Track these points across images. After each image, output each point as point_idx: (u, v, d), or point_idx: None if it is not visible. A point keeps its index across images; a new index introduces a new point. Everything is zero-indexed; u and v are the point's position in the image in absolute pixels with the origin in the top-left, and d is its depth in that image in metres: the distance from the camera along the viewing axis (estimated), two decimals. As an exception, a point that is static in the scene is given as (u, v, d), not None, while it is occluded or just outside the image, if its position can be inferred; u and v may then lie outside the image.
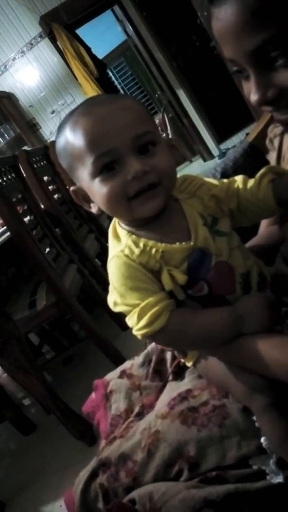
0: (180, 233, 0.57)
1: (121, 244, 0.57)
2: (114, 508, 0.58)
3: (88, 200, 0.60)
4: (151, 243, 0.56)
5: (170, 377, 0.75)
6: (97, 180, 0.54)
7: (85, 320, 1.65)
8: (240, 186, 0.61)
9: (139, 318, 0.54)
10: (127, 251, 0.56)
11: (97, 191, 0.55)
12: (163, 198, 0.55)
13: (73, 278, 1.79)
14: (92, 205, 0.60)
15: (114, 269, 0.56)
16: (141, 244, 0.56)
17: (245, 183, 0.61)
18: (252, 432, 0.57)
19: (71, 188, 0.60)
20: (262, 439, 0.56)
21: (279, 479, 0.54)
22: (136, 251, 0.55)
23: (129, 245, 0.56)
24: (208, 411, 0.60)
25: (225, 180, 0.63)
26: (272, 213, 0.64)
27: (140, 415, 0.72)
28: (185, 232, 0.57)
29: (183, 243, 0.56)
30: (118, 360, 1.67)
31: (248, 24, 0.46)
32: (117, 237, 0.59)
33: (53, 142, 1.58)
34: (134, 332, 0.56)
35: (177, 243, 0.56)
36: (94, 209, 0.60)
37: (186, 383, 0.69)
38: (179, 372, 0.74)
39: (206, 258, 0.56)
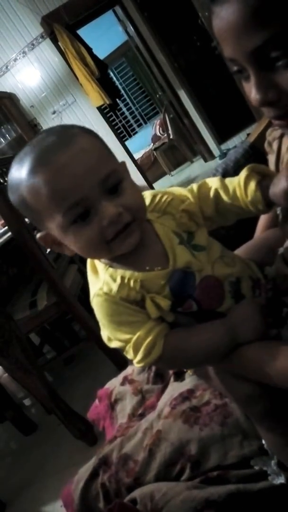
0: (156, 257, 0.55)
1: (99, 280, 0.56)
2: (115, 508, 0.58)
3: (59, 244, 0.56)
4: (128, 274, 0.54)
5: (172, 379, 0.75)
6: (70, 230, 0.51)
7: (86, 320, 1.65)
8: (220, 190, 0.57)
9: (135, 352, 0.53)
10: (105, 289, 0.54)
11: (72, 241, 0.53)
12: (139, 232, 0.53)
13: (74, 278, 1.79)
14: (64, 248, 0.56)
15: (98, 307, 0.55)
16: (118, 278, 0.54)
17: (224, 187, 0.57)
18: (253, 432, 0.57)
19: (38, 235, 0.56)
20: (264, 440, 0.56)
21: (280, 480, 0.54)
22: (114, 287, 0.54)
23: (107, 281, 0.54)
24: (210, 410, 0.60)
25: (194, 187, 0.59)
26: (256, 214, 0.61)
27: (141, 416, 0.72)
28: (162, 255, 0.55)
29: (160, 268, 0.54)
30: (119, 360, 1.66)
31: (249, 23, 0.46)
32: (95, 271, 0.58)
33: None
34: (135, 364, 0.55)
35: (155, 269, 0.54)
36: (67, 252, 0.56)
37: (187, 383, 0.69)
38: (180, 374, 0.74)
39: (189, 277, 0.55)
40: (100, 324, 0.56)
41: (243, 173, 0.55)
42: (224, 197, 0.57)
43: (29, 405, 2.04)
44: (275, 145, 0.74)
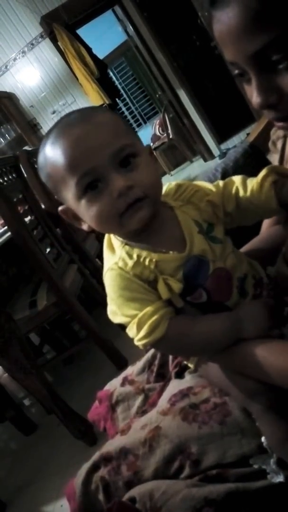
0: (174, 242, 0.56)
1: (115, 255, 0.57)
2: (114, 507, 0.58)
3: (78, 218, 0.58)
4: (144, 253, 0.55)
5: (173, 377, 0.75)
6: (83, 201, 0.53)
7: (86, 319, 1.65)
8: (240, 187, 0.60)
9: (139, 328, 0.54)
10: (121, 263, 0.55)
11: (85, 212, 0.54)
12: (150, 209, 0.54)
13: (74, 278, 1.79)
14: (82, 222, 0.59)
15: (110, 281, 0.56)
16: (135, 255, 0.55)
17: (244, 184, 0.60)
18: (253, 431, 0.57)
19: (60, 208, 0.59)
20: (263, 439, 0.56)
21: (279, 478, 0.54)
22: (130, 262, 0.55)
23: (123, 256, 0.56)
24: (209, 408, 0.60)
25: (220, 183, 0.62)
26: (273, 214, 0.63)
27: (144, 413, 0.72)
28: (180, 240, 0.56)
29: (176, 252, 0.55)
30: (119, 359, 1.67)
31: (249, 27, 0.45)
32: (111, 248, 0.59)
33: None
34: (136, 342, 0.56)
35: (171, 252, 0.55)
36: (84, 226, 0.59)
37: (187, 381, 0.70)
38: (180, 372, 0.74)
39: (203, 265, 0.56)
40: (108, 298, 0.57)
41: (262, 172, 0.58)
42: (242, 193, 0.59)
43: (29, 405, 2.04)
44: (279, 144, 0.74)
